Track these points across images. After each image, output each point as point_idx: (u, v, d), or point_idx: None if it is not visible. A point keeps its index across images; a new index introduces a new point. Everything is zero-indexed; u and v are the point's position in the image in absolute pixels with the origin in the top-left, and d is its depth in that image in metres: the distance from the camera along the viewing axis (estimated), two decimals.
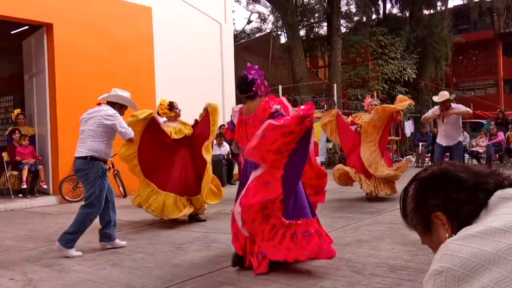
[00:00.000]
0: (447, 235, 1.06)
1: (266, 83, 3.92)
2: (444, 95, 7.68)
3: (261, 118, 3.63)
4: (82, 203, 4.60)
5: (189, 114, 6.54)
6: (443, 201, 1.08)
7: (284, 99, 3.91)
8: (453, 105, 7.72)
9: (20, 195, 8.52)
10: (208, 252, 4.38)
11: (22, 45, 9.88)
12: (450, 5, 26.64)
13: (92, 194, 4.43)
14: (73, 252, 4.37)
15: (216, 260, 4.05)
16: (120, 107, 4.76)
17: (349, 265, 3.74)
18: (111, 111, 4.61)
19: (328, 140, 13.85)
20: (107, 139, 4.57)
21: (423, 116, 8.30)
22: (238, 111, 3.93)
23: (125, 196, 8.64)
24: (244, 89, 3.86)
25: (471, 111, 8.44)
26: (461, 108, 7.85)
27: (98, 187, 4.44)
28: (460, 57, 29.45)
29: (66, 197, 8.55)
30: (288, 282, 3.34)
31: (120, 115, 4.67)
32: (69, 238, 4.37)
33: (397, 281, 3.29)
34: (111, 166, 8.35)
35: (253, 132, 3.53)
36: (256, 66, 3.94)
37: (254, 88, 3.79)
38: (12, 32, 10.41)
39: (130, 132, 4.69)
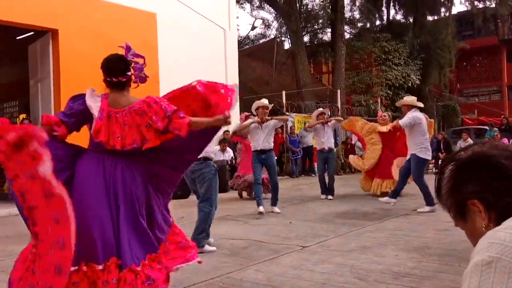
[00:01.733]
0: (483, 224, 0.98)
1: (146, 73, 3.13)
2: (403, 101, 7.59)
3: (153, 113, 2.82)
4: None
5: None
6: (481, 189, 0.99)
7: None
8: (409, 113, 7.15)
9: None
10: (210, 257, 4.37)
11: (27, 50, 9.94)
12: (454, 11, 26.77)
13: (208, 192, 4.74)
14: (208, 247, 4.67)
15: (219, 265, 4.05)
16: None
17: (353, 271, 3.73)
18: None
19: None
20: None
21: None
22: (103, 96, 2.95)
23: None
24: (119, 70, 2.98)
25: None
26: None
27: (213, 185, 4.77)
28: (464, 63, 29.44)
29: None
30: None
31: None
32: (200, 237, 4.63)
33: None
34: None
35: (116, 131, 2.78)
36: (134, 51, 3.22)
37: (129, 73, 2.99)
38: (17, 38, 10.49)
39: None
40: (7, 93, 12.81)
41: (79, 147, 2.95)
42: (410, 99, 7.46)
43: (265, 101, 7.40)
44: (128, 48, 3.18)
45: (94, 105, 2.86)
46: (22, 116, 9.51)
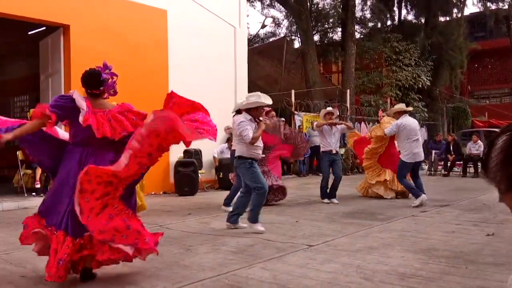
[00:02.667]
0: None
1: (116, 89, 3.73)
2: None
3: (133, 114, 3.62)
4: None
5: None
6: None
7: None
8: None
9: (34, 193, 8.62)
10: (217, 254, 4.39)
11: (39, 45, 10.03)
12: (466, 12, 26.49)
13: (253, 182, 5.42)
14: (259, 226, 5.43)
15: (225, 262, 4.06)
16: (254, 109, 5.53)
17: (359, 271, 3.72)
18: (237, 119, 5.55)
19: (341, 146, 13.79)
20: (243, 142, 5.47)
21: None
22: (85, 99, 3.58)
23: None
24: (93, 85, 3.60)
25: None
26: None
27: (252, 175, 5.43)
28: (476, 65, 29.22)
29: None
30: (296, 287, 3.33)
31: (255, 116, 5.50)
32: (252, 215, 5.46)
33: None
34: None
35: (105, 123, 3.49)
36: (111, 66, 3.74)
37: (102, 88, 3.62)
38: (29, 33, 10.58)
39: (247, 136, 5.36)
40: (18, 87, 12.92)
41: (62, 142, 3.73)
42: (398, 106, 8.43)
43: (329, 108, 8.67)
44: (105, 66, 3.72)
45: (82, 103, 3.51)
46: (33, 110, 9.58)
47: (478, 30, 30.35)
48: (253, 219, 5.48)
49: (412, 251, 4.40)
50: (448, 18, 23.31)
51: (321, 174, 8.64)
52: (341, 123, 8.52)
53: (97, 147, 3.53)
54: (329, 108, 8.78)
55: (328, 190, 8.12)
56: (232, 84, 11.95)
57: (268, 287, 3.35)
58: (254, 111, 5.52)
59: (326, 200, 8.05)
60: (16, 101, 13.48)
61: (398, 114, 8.11)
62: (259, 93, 5.69)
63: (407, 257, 4.17)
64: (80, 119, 3.45)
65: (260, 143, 5.60)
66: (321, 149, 8.30)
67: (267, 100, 5.52)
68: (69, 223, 3.38)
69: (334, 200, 8.04)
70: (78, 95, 3.58)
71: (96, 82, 3.61)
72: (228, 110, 7.73)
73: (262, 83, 19.14)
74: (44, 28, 9.71)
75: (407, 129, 7.77)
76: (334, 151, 8.10)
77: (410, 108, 8.38)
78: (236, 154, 5.62)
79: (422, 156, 8.00)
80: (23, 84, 12.54)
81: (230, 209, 7.28)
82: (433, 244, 4.73)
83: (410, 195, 8.08)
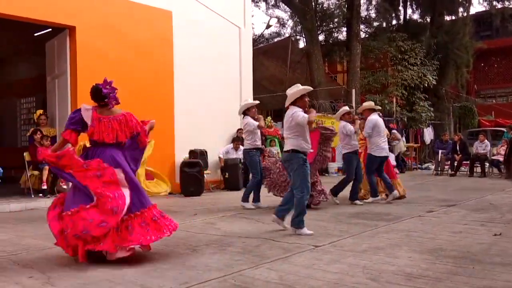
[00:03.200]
0: None
1: (118, 100, 4.55)
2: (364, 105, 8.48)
3: (126, 123, 4.48)
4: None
5: (207, 117, 6.60)
6: None
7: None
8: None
9: (41, 194, 8.66)
10: (223, 255, 4.39)
11: (45, 47, 10.08)
12: (472, 11, 26.32)
13: (298, 180, 5.33)
14: (305, 231, 5.29)
15: (231, 263, 4.06)
16: (299, 100, 5.56)
17: (365, 272, 3.71)
18: (290, 111, 5.53)
19: None
20: (300, 134, 5.46)
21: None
22: (92, 109, 4.46)
23: None
24: (98, 99, 4.49)
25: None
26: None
27: (302, 173, 5.33)
28: (482, 64, 29.04)
29: None
30: None
31: (303, 106, 5.55)
32: (298, 220, 5.33)
33: None
34: None
35: (104, 131, 4.37)
36: (112, 82, 4.51)
37: (106, 100, 4.44)
38: (35, 34, 10.63)
39: (303, 117, 5.38)
40: (25, 89, 12.98)
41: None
42: (368, 103, 8.53)
43: (346, 108, 8.42)
44: (105, 82, 4.51)
45: (87, 115, 4.38)
46: (39, 112, 9.63)
47: (484, 29, 30.15)
48: (300, 224, 5.33)
49: (419, 251, 4.38)
50: (454, 17, 23.17)
51: (326, 174, 8.60)
52: (357, 119, 8.30)
53: (105, 147, 4.38)
54: (346, 108, 8.59)
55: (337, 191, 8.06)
56: (237, 84, 11.95)
57: None
58: (300, 103, 5.56)
59: (359, 202, 7.95)
60: (22, 103, 13.55)
61: (369, 111, 8.27)
62: (298, 84, 5.76)
63: (414, 258, 4.16)
64: (88, 132, 4.39)
65: (308, 139, 5.61)
66: (347, 150, 7.97)
67: (307, 88, 5.69)
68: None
69: (358, 202, 7.95)
70: (85, 108, 4.43)
71: (100, 96, 4.45)
72: (232, 110, 7.78)
73: (267, 83, 19.12)
74: (50, 29, 9.75)
75: (378, 126, 8.02)
76: (358, 150, 8.17)
77: (379, 107, 8.55)
78: (289, 147, 5.49)
79: (388, 153, 8.30)
80: (29, 86, 12.61)
81: (248, 205, 7.61)
82: (440, 244, 4.71)
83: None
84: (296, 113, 5.42)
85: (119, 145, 4.42)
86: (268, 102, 17.38)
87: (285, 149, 5.63)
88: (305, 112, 5.52)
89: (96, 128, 4.33)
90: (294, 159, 5.40)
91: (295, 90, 5.58)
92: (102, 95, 4.43)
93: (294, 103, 5.55)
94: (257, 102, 8.54)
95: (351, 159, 7.95)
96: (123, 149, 4.48)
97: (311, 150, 6.07)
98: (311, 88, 5.68)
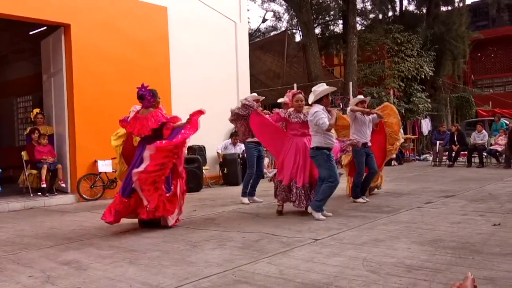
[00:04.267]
0: None
1: (157, 99, 5.73)
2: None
3: (152, 119, 5.59)
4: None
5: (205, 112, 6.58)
6: None
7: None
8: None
9: (39, 193, 8.65)
10: (223, 250, 4.40)
11: (40, 45, 10.03)
12: (468, 1, 26.31)
13: (327, 172, 5.72)
14: (319, 215, 5.74)
15: (231, 258, 4.07)
16: (325, 98, 5.91)
17: (365, 264, 3.72)
18: (313, 110, 5.87)
19: None
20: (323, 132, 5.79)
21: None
22: (136, 111, 5.70)
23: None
24: (139, 99, 5.66)
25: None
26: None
27: (328, 166, 5.73)
28: (479, 54, 29.06)
29: (84, 196, 8.67)
30: (303, 281, 3.33)
31: (326, 105, 5.91)
32: (317, 204, 5.76)
33: (413, 281, 3.26)
34: None
35: (143, 124, 5.58)
36: (148, 86, 5.64)
37: (143, 101, 5.63)
38: (30, 33, 10.58)
39: (324, 123, 5.69)
40: (22, 88, 12.93)
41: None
42: (359, 96, 7.74)
43: (361, 97, 7.66)
44: (142, 86, 5.67)
45: (131, 115, 5.76)
46: (36, 110, 9.60)
47: (481, 19, 30.13)
48: (319, 208, 5.73)
49: (419, 243, 4.39)
50: (450, 8, 23.14)
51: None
52: (374, 112, 7.49)
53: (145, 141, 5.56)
54: (361, 97, 7.65)
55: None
56: (234, 79, 11.93)
57: (275, 282, 3.35)
58: (325, 101, 5.89)
59: (361, 200, 7.20)
60: (19, 102, 13.50)
61: (361, 104, 7.42)
62: (323, 83, 6.08)
63: (414, 249, 4.16)
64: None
65: (333, 133, 5.89)
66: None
67: (331, 87, 6.02)
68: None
69: (365, 198, 7.32)
70: (133, 110, 5.77)
71: (138, 97, 5.64)
72: (230, 105, 7.72)
73: (264, 78, 19.10)
74: (45, 27, 9.70)
75: (362, 118, 7.32)
76: (369, 143, 7.34)
77: (368, 98, 7.83)
78: (314, 145, 5.86)
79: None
80: (26, 85, 12.55)
81: (246, 200, 7.61)
82: (439, 235, 4.72)
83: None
84: (317, 115, 5.75)
85: (148, 138, 5.51)
86: (265, 97, 17.34)
87: (311, 145, 5.97)
88: (327, 110, 5.92)
89: (130, 124, 5.67)
90: (319, 155, 5.82)
91: (322, 88, 5.89)
92: (138, 97, 5.63)
93: (318, 101, 5.89)
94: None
95: (358, 151, 7.29)
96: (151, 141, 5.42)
97: (336, 144, 6.25)
98: (335, 88, 5.92)
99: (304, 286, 3.24)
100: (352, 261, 3.81)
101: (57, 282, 3.53)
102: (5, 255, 4.49)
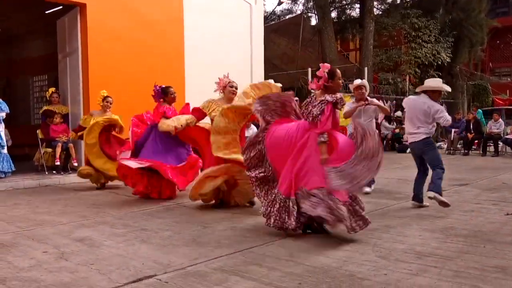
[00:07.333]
0: None
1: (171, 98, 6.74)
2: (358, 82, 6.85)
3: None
4: None
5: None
6: None
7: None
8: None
9: (54, 171, 8.77)
10: (234, 232, 4.43)
11: (56, 25, 10.06)
12: None
13: (434, 159, 5.62)
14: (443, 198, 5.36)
15: (242, 240, 4.10)
16: (438, 93, 5.89)
17: (375, 250, 3.72)
18: (432, 104, 5.71)
19: None
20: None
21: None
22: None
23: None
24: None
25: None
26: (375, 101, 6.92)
27: (434, 153, 5.68)
28: (498, 42, 28.47)
29: None
30: (312, 264, 3.35)
31: (438, 100, 5.87)
32: (439, 183, 5.45)
33: (423, 267, 3.25)
34: None
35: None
36: (157, 86, 6.59)
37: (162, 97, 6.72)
38: (46, 12, 10.60)
39: (449, 119, 5.85)
40: (37, 67, 13.02)
41: None
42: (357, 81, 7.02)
43: (358, 81, 6.88)
44: (155, 86, 6.65)
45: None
46: (51, 90, 9.67)
47: (501, 6, 29.46)
48: (439, 189, 5.43)
49: (430, 230, 4.38)
50: None
51: None
52: (375, 104, 6.77)
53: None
54: (358, 81, 6.96)
55: None
56: (248, 62, 11.85)
57: (285, 264, 3.38)
58: (435, 96, 5.80)
59: (368, 189, 6.66)
60: (35, 81, 13.61)
61: (357, 90, 6.76)
62: (439, 79, 6.03)
63: (424, 236, 4.16)
64: None
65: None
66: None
67: (445, 86, 5.91)
68: None
69: (368, 189, 6.71)
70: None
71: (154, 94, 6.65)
72: (243, 88, 7.68)
73: (278, 62, 18.95)
74: (61, 7, 9.71)
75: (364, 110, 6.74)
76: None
77: (364, 81, 7.02)
78: (425, 136, 5.66)
79: None
80: (41, 64, 12.63)
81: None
82: (451, 223, 4.70)
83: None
84: (442, 111, 5.73)
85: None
86: (279, 81, 17.26)
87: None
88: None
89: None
90: (430, 145, 5.72)
91: (435, 84, 5.83)
92: (156, 95, 6.66)
93: (427, 92, 5.77)
94: None
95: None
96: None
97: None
98: (449, 89, 6.10)
99: (313, 269, 3.25)
100: (362, 247, 3.82)
101: (70, 258, 3.60)
102: (20, 231, 4.58)
